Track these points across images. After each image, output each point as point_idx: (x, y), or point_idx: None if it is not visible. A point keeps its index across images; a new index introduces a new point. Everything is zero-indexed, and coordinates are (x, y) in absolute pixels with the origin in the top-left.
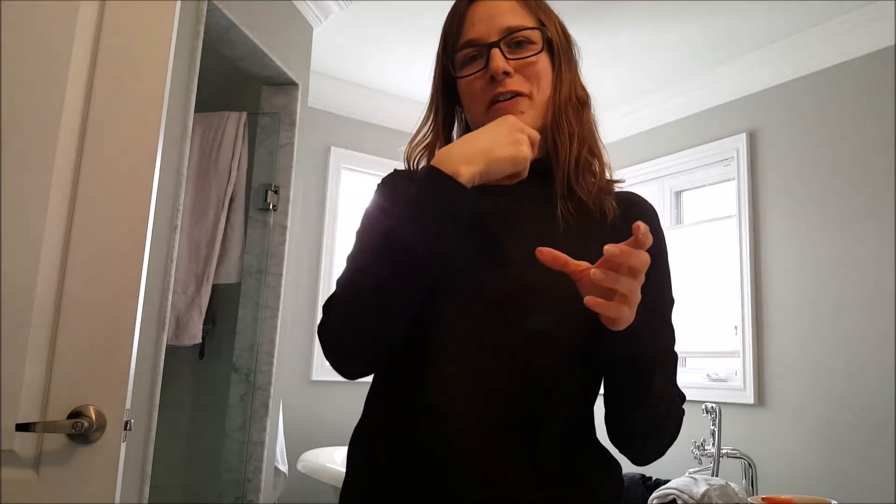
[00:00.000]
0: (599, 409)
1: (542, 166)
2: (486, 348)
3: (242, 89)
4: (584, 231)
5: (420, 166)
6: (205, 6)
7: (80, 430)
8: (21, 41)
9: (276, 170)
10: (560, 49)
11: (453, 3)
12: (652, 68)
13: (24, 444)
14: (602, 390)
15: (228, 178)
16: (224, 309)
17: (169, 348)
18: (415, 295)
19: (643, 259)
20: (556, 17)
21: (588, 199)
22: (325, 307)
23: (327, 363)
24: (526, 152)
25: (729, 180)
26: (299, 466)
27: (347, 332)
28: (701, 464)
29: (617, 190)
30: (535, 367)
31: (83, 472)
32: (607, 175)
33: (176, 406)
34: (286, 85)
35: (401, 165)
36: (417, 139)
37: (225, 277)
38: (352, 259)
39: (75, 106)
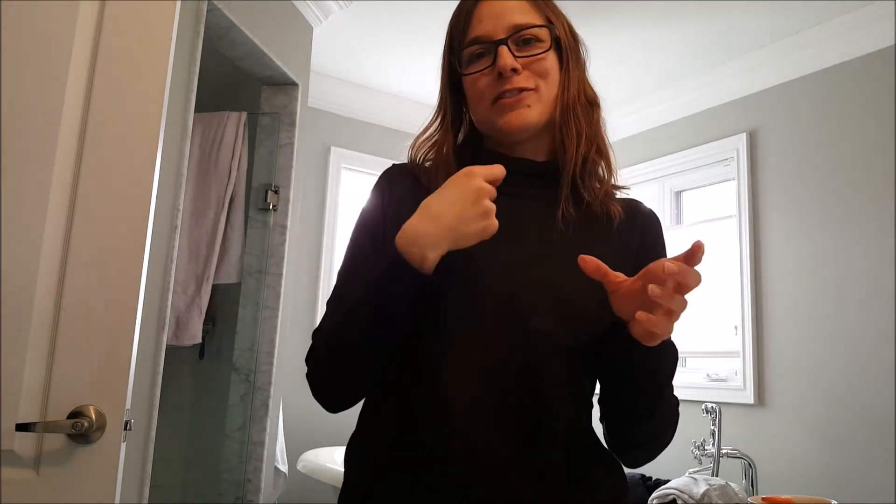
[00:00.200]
0: (598, 409)
1: (549, 168)
2: (486, 349)
3: (242, 89)
4: (587, 235)
5: (424, 162)
6: (205, 6)
7: (80, 430)
8: (21, 41)
9: (276, 170)
10: (568, 48)
11: (457, 1)
12: (652, 68)
13: (24, 444)
14: (598, 395)
15: (228, 178)
16: (224, 309)
17: (169, 348)
18: (392, 342)
19: (698, 278)
20: (564, 16)
21: (594, 203)
22: (313, 335)
23: None
24: (493, 226)
25: (729, 180)
26: (299, 466)
27: (332, 383)
28: (701, 464)
29: (620, 196)
30: (536, 368)
31: (83, 473)
32: (614, 179)
33: (176, 406)
34: (286, 85)
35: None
36: (425, 136)
37: (225, 277)
38: (331, 307)
39: (75, 106)
